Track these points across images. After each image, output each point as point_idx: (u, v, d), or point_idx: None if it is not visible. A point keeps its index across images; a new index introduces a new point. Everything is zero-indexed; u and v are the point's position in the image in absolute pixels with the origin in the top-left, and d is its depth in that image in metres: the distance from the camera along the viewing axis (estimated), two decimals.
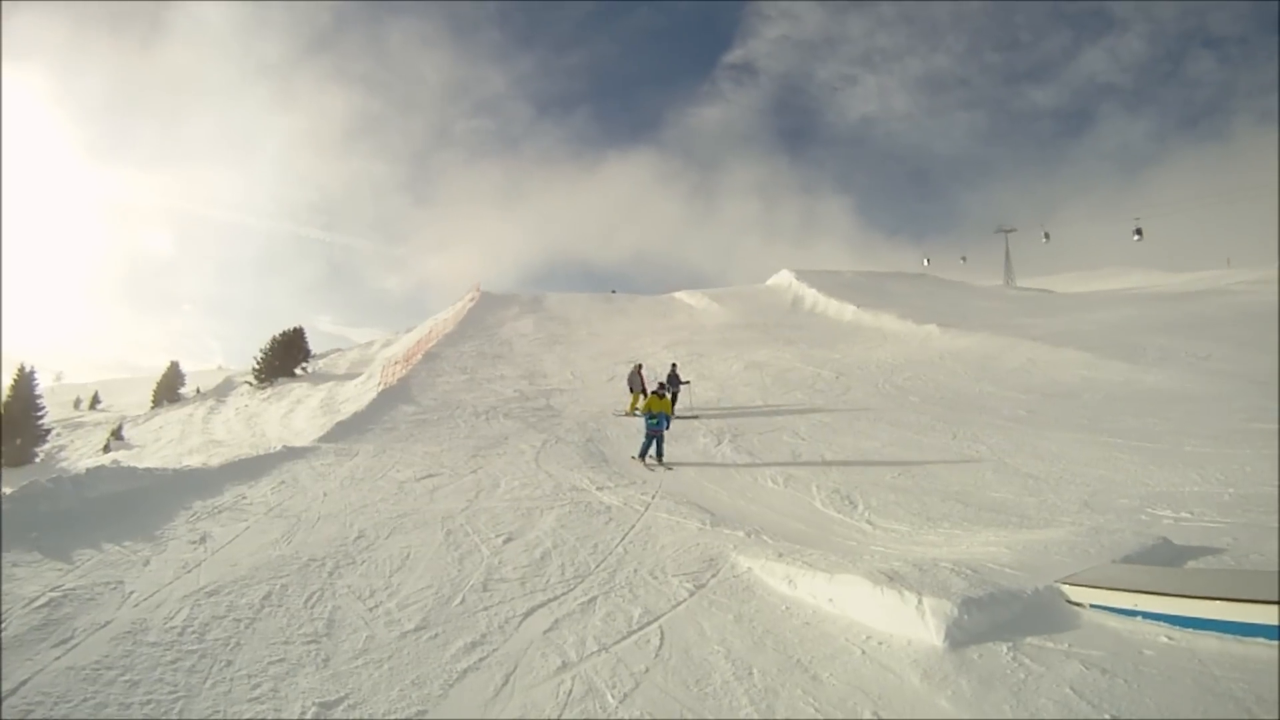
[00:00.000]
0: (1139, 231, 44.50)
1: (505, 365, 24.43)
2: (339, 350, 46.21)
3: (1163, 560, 6.05)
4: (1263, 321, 23.58)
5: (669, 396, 13.40)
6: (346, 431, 15.45)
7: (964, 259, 60.28)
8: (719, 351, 25.56)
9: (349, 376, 30.93)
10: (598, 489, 10.43)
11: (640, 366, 18.42)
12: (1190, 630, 4.36)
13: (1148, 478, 9.63)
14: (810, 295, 36.38)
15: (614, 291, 46.65)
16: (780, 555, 6.63)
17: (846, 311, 32.05)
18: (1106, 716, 3.58)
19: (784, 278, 41.44)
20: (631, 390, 17.53)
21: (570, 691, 4.48)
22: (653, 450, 12.38)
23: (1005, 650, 4.34)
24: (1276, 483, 8.35)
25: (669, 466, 11.96)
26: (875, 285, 39.41)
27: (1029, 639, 4.46)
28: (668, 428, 12.79)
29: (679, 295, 41.08)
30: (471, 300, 38.53)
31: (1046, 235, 51.94)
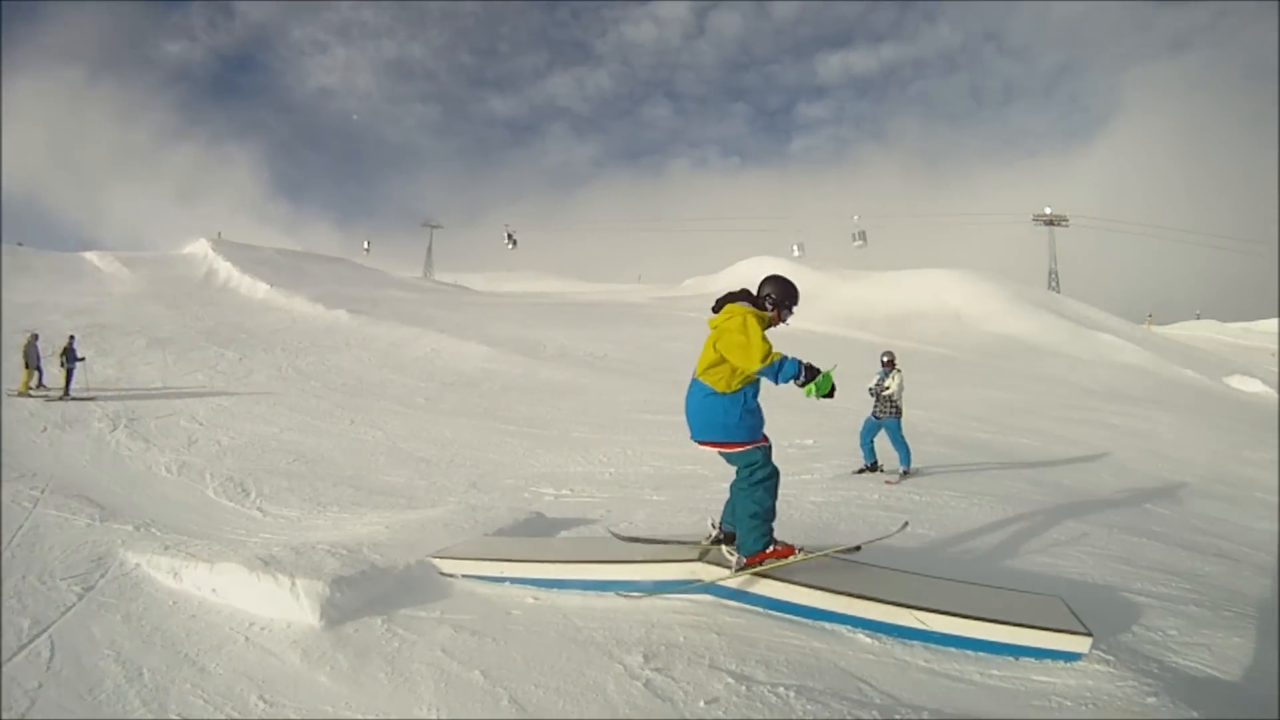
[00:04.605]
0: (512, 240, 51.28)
1: None
2: None
3: (536, 532, 7.05)
4: (657, 328, 29.21)
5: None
6: None
7: (367, 248, 61.97)
8: (124, 324, 24.80)
9: None
10: None
11: (36, 337, 17.16)
12: (555, 590, 5.07)
13: (535, 460, 11.04)
14: (225, 269, 36.31)
15: (20, 244, 40.59)
16: (166, 548, 6.51)
17: (259, 290, 32.71)
18: (476, 671, 3.99)
19: (200, 247, 40.29)
20: (27, 365, 16.61)
21: None
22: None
23: (380, 623, 4.65)
24: None
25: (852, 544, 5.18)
26: (293, 265, 40.71)
27: (402, 611, 4.83)
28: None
29: (89, 255, 37.93)
30: None
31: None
